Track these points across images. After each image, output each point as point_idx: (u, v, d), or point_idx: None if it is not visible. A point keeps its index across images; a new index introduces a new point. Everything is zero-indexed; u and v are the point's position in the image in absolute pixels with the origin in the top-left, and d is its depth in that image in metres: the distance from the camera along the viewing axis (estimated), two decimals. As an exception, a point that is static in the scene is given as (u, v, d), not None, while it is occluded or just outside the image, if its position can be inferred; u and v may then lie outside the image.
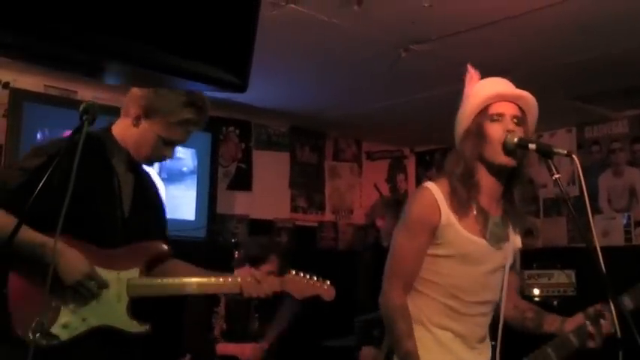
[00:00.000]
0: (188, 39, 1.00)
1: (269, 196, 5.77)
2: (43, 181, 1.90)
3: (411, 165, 6.79)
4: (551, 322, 2.29)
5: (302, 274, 2.63)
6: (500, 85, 2.26)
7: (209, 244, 4.63)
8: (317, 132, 6.20)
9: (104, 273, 2.25)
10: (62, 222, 1.97)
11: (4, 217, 2.07)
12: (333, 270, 5.71)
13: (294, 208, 6.00)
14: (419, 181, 6.68)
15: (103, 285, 2.24)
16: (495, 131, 2.17)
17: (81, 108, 1.91)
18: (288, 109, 5.44)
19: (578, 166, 2.06)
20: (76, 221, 2.17)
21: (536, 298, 4.89)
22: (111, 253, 2.29)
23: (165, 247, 2.42)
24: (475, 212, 2.18)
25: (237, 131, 5.62)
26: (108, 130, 2.43)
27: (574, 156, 2.09)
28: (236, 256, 3.95)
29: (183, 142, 2.44)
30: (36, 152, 2.27)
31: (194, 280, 2.41)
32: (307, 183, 6.13)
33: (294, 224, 5.95)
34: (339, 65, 4.24)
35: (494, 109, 2.19)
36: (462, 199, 2.16)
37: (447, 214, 2.15)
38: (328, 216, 6.25)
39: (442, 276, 2.19)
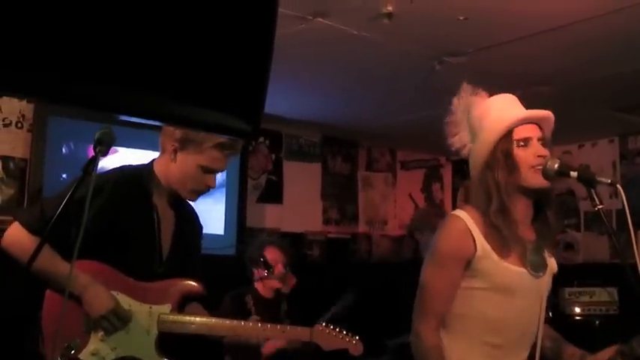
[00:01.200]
0: (198, 87, 0.99)
1: (300, 208, 5.75)
2: (57, 213, 1.96)
3: (447, 174, 6.72)
4: (571, 356, 2.21)
5: (332, 327, 2.75)
6: (517, 105, 2.18)
7: (238, 261, 4.62)
8: (349, 141, 6.17)
9: (136, 305, 2.34)
10: (102, 252, 2.28)
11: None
12: (367, 283, 5.77)
13: (326, 221, 5.97)
14: (455, 191, 6.62)
15: (126, 321, 2.31)
16: (526, 158, 2.08)
17: (95, 137, 1.92)
18: (320, 119, 5.43)
19: (624, 197, 1.97)
20: (116, 253, 2.32)
21: (577, 317, 4.77)
22: (146, 286, 2.38)
23: (199, 287, 2.48)
24: (512, 240, 2.09)
25: (267, 142, 5.62)
26: (150, 166, 2.51)
27: (619, 186, 2.01)
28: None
29: (222, 169, 2.51)
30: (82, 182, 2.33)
31: (226, 322, 2.51)
32: (340, 194, 6.09)
33: (326, 237, 5.92)
34: (371, 77, 4.21)
35: (520, 133, 2.10)
36: (505, 234, 2.05)
37: (482, 244, 2.05)
38: (362, 228, 6.21)
39: (480, 311, 2.08)
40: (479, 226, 2.07)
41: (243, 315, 3.75)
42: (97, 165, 1.86)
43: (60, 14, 0.83)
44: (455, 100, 2.29)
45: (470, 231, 2.06)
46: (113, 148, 2.14)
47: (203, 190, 2.49)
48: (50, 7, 0.82)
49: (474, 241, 2.05)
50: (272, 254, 3.97)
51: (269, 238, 4.25)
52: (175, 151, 2.43)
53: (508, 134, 2.10)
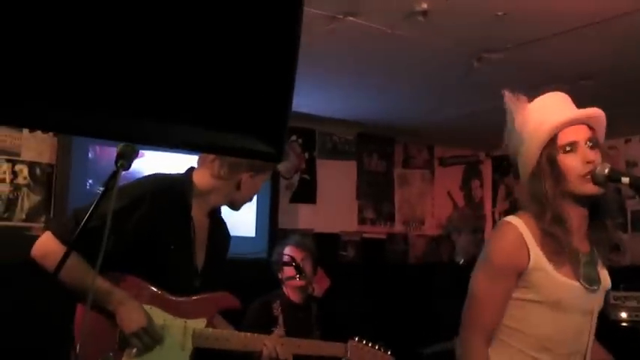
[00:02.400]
0: (221, 111, 0.99)
1: (334, 208, 5.72)
2: (83, 223, 1.92)
3: (486, 170, 6.64)
4: None
5: (364, 342, 2.76)
6: (563, 105, 2.08)
7: (270, 265, 4.60)
8: (385, 138, 6.12)
9: (170, 320, 2.35)
10: (137, 265, 2.30)
11: (71, 260, 2.13)
12: (403, 285, 5.73)
13: (362, 220, 5.93)
14: (496, 188, 6.52)
15: (159, 339, 2.31)
16: (572, 165, 1.99)
17: (117, 150, 1.90)
18: (355, 116, 5.40)
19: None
20: (150, 266, 2.33)
21: (624, 323, 4.64)
22: (181, 300, 2.39)
23: (235, 300, 2.50)
24: (567, 250, 2.00)
25: (300, 140, 5.59)
26: (188, 177, 2.52)
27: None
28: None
29: (268, 179, 2.61)
30: (119, 194, 2.33)
31: (262, 338, 2.52)
32: (375, 193, 6.05)
33: (361, 237, 5.88)
34: (407, 75, 4.17)
35: (565, 137, 2.01)
36: (562, 243, 1.97)
37: (536, 255, 1.97)
38: (398, 227, 6.16)
39: (531, 325, 2.01)
40: (534, 234, 1.99)
41: (269, 323, 3.73)
42: (119, 180, 1.84)
43: (81, 41, 0.83)
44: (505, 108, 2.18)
45: (524, 240, 1.98)
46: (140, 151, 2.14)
47: (249, 200, 2.59)
48: (71, 34, 0.83)
49: (528, 251, 1.97)
50: (293, 253, 3.94)
51: (288, 239, 4.22)
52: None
53: (552, 140, 2.01)
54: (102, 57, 0.86)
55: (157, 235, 2.34)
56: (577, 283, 2.00)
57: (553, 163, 2.00)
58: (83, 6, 0.83)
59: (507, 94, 2.14)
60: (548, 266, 1.97)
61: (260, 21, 0.96)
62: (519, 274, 1.99)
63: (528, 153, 2.04)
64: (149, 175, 2.51)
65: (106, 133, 0.92)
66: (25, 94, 0.82)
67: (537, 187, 2.02)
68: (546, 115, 2.04)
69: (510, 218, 2.04)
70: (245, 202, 2.56)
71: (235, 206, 2.57)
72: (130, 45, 0.87)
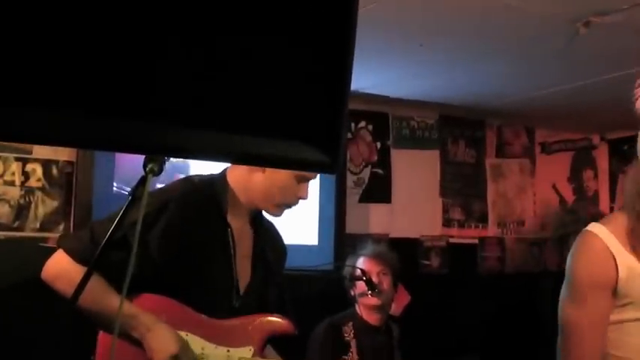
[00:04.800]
0: (263, 115, 1.00)
1: (414, 207, 5.71)
2: (107, 237, 1.97)
3: (602, 157, 6.51)
4: None
5: None
6: None
7: (337, 279, 4.61)
8: (474, 121, 6.08)
9: (210, 348, 2.37)
10: (167, 284, 2.34)
11: (90, 281, 2.18)
12: (499, 299, 5.67)
13: (447, 222, 5.90)
14: (613, 179, 6.38)
15: None
16: None
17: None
18: (437, 97, 5.38)
19: None
20: (184, 285, 2.36)
21: None
22: (222, 325, 2.41)
23: (288, 324, 2.48)
24: None
25: (370, 127, 5.59)
26: (222, 177, 2.54)
27: None
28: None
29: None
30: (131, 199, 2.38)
31: None
32: (463, 188, 6.01)
33: (447, 242, 5.86)
34: (500, 46, 4.13)
35: None
36: None
37: (625, 262, 1.95)
38: (492, 230, 6.12)
39: (634, 350, 1.99)
40: (625, 240, 1.96)
41: (340, 350, 3.75)
42: (148, 187, 1.86)
43: (93, 35, 0.86)
44: None
45: (608, 249, 1.96)
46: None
47: (293, 203, 2.53)
48: (79, 28, 0.85)
49: (615, 261, 1.95)
50: (367, 266, 3.95)
51: (363, 249, 4.22)
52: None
53: None
54: (113, 53, 0.87)
55: (187, 247, 2.37)
56: None
57: None
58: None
59: None
60: None
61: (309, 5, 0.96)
62: (612, 292, 1.97)
63: None
64: (175, 180, 2.55)
65: (124, 146, 0.94)
66: (24, 103, 0.84)
67: None
68: None
69: (592, 226, 2.02)
70: (288, 206, 2.55)
71: (275, 211, 2.55)
72: (148, 36, 0.89)
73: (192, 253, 2.38)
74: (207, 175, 2.57)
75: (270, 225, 2.71)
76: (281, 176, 2.44)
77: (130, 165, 4.16)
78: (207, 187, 2.50)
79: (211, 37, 0.91)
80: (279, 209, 2.53)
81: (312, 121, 1.03)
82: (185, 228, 2.37)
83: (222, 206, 2.48)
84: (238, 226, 2.51)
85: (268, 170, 2.44)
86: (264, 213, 2.61)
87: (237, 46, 0.93)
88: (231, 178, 2.52)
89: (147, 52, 0.89)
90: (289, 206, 2.54)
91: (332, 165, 1.04)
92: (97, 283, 2.20)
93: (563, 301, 2.06)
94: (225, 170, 2.56)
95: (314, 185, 4.93)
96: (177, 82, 0.91)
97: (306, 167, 1.12)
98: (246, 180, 2.49)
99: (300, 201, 2.52)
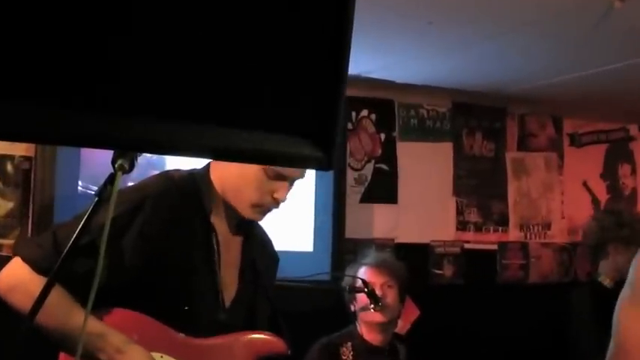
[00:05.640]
0: (252, 107, 1.03)
1: (424, 208, 5.71)
2: (71, 243, 1.94)
3: (640, 150, 6.54)
4: None
5: None
6: None
7: (335, 291, 4.61)
8: (493, 109, 6.08)
9: None
10: (140, 297, 2.32)
11: (51, 294, 2.17)
12: (522, 313, 5.67)
13: (462, 225, 5.91)
14: (655, 175, 6.42)
15: None
16: None
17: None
18: (450, 81, 5.39)
19: None
20: (161, 298, 2.36)
21: None
22: (203, 344, 2.41)
23: (280, 343, 2.49)
24: None
25: (374, 116, 5.59)
26: (205, 172, 2.54)
27: None
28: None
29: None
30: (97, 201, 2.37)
31: None
32: (481, 186, 6.02)
33: (462, 249, 5.87)
34: (522, 22, 4.12)
35: None
36: None
37: None
38: (513, 234, 6.12)
39: None
40: None
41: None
42: (117, 187, 1.87)
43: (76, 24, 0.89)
44: None
45: None
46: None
47: (268, 204, 2.49)
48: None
49: None
50: (370, 277, 3.95)
51: (365, 258, 4.22)
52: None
53: None
54: (73, 36, 0.89)
55: (165, 254, 2.37)
56: None
57: None
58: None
59: None
60: None
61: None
62: None
63: None
64: (151, 176, 2.54)
65: (88, 140, 0.95)
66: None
67: None
68: None
69: None
70: (266, 209, 2.52)
71: (250, 213, 2.51)
72: (112, 17, 0.91)
73: (170, 261, 2.38)
74: (188, 171, 2.57)
75: (261, 230, 2.71)
76: (250, 171, 2.42)
77: (97, 161, 4.13)
78: (188, 184, 2.50)
79: (190, 19, 0.92)
80: (255, 212, 2.50)
81: (302, 110, 1.04)
82: (163, 231, 2.37)
83: (206, 206, 2.49)
84: (224, 229, 2.52)
85: (237, 164, 2.41)
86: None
87: (219, 29, 0.94)
88: (214, 175, 2.52)
89: (112, 34, 0.91)
90: (268, 209, 2.51)
91: (326, 160, 1.06)
92: (59, 297, 2.18)
93: (620, 313, 2.07)
94: (208, 165, 2.56)
95: (309, 184, 4.95)
96: (150, 69, 0.93)
97: (296, 163, 1.14)
98: (224, 177, 2.50)
99: (288, 203, 2.50)
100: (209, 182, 2.51)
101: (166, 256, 2.37)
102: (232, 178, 2.46)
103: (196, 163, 2.63)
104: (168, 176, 2.53)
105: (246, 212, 2.50)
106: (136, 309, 2.35)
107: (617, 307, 2.08)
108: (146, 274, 2.33)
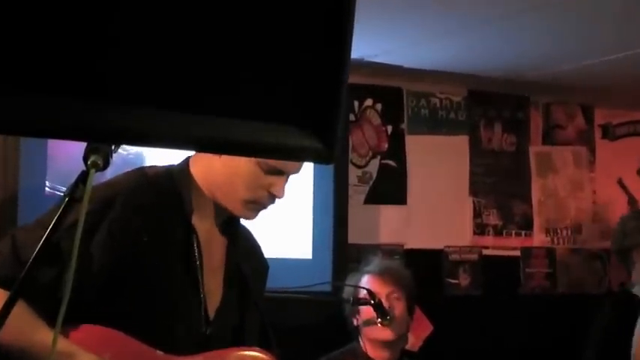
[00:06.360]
0: (244, 93, 1.03)
1: (436, 210, 5.72)
2: (37, 250, 1.92)
3: (682, 143, 6.55)
4: None
5: None
6: None
7: (337, 303, 4.61)
8: (514, 97, 6.09)
9: None
10: (112, 310, 2.29)
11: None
12: (549, 328, 5.67)
13: (480, 229, 5.92)
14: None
15: None
16: None
17: (87, 143, 1.91)
18: (464, 66, 5.39)
19: None
20: (135, 311, 2.34)
21: None
22: None
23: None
24: None
25: (380, 106, 5.60)
26: (185, 167, 2.53)
27: None
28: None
29: (295, 170, 2.48)
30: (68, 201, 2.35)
31: None
32: (501, 184, 6.03)
33: (479, 255, 5.87)
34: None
35: None
36: None
37: None
38: (538, 238, 6.12)
39: None
40: None
41: None
42: (90, 186, 1.86)
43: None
44: None
45: None
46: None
47: (263, 200, 2.47)
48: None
49: None
50: (374, 285, 3.96)
51: (368, 264, 4.22)
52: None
53: None
54: (39, 12, 0.89)
55: (138, 260, 2.36)
56: None
57: None
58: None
59: None
60: None
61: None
62: None
63: None
64: (125, 173, 2.53)
65: (55, 129, 0.95)
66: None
67: None
68: None
69: None
70: (261, 206, 2.50)
71: (243, 211, 2.50)
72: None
73: (145, 267, 2.36)
74: (165, 166, 2.56)
75: (248, 233, 2.71)
76: (241, 165, 2.40)
77: (67, 158, 4.14)
78: (165, 180, 2.49)
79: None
80: (248, 209, 2.48)
81: (299, 97, 1.05)
82: (136, 232, 2.36)
83: (186, 205, 2.47)
84: (206, 230, 2.51)
85: (225, 156, 2.39)
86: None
87: (208, 9, 0.95)
88: (195, 170, 2.51)
89: (88, 14, 0.91)
90: (263, 206, 2.49)
91: (327, 152, 1.06)
92: (21, 313, 2.13)
93: None
94: (187, 159, 2.54)
95: (307, 183, 4.95)
96: (130, 51, 0.93)
97: (293, 156, 1.14)
98: (208, 170, 2.48)
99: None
100: (189, 178, 2.50)
101: (140, 261, 2.36)
102: (219, 172, 2.45)
103: (179, 159, 2.62)
104: (142, 172, 2.53)
105: (239, 210, 2.48)
106: (108, 324, 2.33)
107: (638, 327, 2.08)
108: (117, 281, 2.31)
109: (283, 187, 2.45)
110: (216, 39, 0.98)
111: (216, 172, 2.45)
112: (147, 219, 2.40)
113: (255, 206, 2.48)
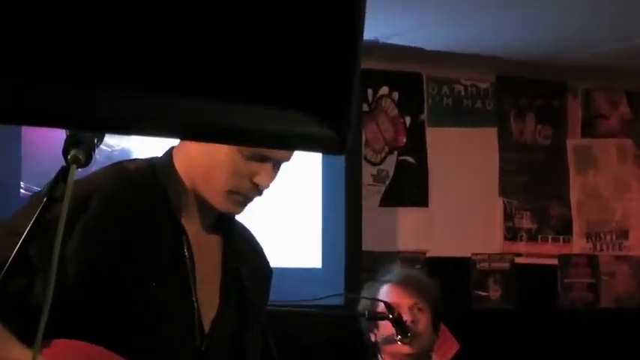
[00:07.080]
0: (244, 75, 1.03)
1: (462, 213, 5.74)
2: (12, 256, 1.94)
3: None
4: None
5: None
6: None
7: (350, 317, 4.63)
8: (549, 83, 6.10)
9: None
10: (92, 323, 2.28)
11: None
12: (592, 345, 5.68)
13: (511, 233, 5.93)
14: None
15: None
16: None
17: (66, 135, 1.91)
18: (492, 50, 5.40)
19: None
20: (118, 324, 2.32)
21: None
22: None
23: None
24: None
25: (397, 94, 5.62)
26: (168, 159, 2.50)
27: None
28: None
29: (283, 158, 2.44)
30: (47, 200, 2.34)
31: None
32: (534, 183, 6.04)
33: (511, 264, 5.89)
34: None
35: None
36: None
37: None
38: (579, 245, 6.13)
39: None
40: None
41: None
42: (72, 184, 1.87)
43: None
44: None
45: None
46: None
47: (246, 191, 2.44)
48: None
49: None
50: (394, 297, 3.94)
51: (387, 274, 4.22)
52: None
53: None
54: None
55: (119, 265, 2.34)
56: None
57: None
58: None
59: None
60: None
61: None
62: None
63: None
64: (102, 168, 2.50)
65: (28, 115, 0.95)
66: None
67: None
68: None
69: None
70: (245, 197, 2.45)
71: (225, 203, 2.45)
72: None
73: (128, 273, 2.33)
74: (146, 159, 2.54)
75: (247, 232, 2.70)
76: (220, 152, 2.37)
77: (45, 155, 4.16)
78: (147, 175, 2.45)
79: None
80: (230, 201, 2.44)
81: (306, 80, 1.05)
82: (116, 233, 2.35)
83: (172, 202, 2.44)
84: (197, 231, 2.48)
85: (203, 144, 2.37)
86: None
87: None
88: (179, 161, 2.47)
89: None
90: (247, 197, 2.46)
91: (338, 141, 1.06)
92: None
93: None
94: (170, 150, 2.52)
95: (315, 182, 4.96)
96: (117, 29, 0.93)
97: (300, 145, 1.14)
98: (189, 160, 2.46)
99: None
100: (173, 171, 2.46)
101: (122, 267, 2.33)
102: (199, 162, 2.42)
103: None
104: (121, 166, 2.50)
105: (220, 202, 2.44)
106: (87, 339, 2.32)
107: None
108: (96, 290, 2.29)
109: (269, 177, 2.41)
110: (214, 13, 0.98)
111: (196, 162, 2.43)
112: (128, 219, 2.39)
113: (239, 197, 2.44)
